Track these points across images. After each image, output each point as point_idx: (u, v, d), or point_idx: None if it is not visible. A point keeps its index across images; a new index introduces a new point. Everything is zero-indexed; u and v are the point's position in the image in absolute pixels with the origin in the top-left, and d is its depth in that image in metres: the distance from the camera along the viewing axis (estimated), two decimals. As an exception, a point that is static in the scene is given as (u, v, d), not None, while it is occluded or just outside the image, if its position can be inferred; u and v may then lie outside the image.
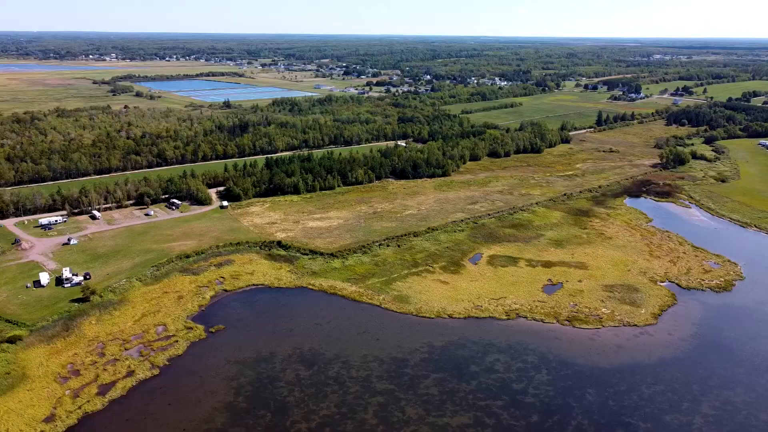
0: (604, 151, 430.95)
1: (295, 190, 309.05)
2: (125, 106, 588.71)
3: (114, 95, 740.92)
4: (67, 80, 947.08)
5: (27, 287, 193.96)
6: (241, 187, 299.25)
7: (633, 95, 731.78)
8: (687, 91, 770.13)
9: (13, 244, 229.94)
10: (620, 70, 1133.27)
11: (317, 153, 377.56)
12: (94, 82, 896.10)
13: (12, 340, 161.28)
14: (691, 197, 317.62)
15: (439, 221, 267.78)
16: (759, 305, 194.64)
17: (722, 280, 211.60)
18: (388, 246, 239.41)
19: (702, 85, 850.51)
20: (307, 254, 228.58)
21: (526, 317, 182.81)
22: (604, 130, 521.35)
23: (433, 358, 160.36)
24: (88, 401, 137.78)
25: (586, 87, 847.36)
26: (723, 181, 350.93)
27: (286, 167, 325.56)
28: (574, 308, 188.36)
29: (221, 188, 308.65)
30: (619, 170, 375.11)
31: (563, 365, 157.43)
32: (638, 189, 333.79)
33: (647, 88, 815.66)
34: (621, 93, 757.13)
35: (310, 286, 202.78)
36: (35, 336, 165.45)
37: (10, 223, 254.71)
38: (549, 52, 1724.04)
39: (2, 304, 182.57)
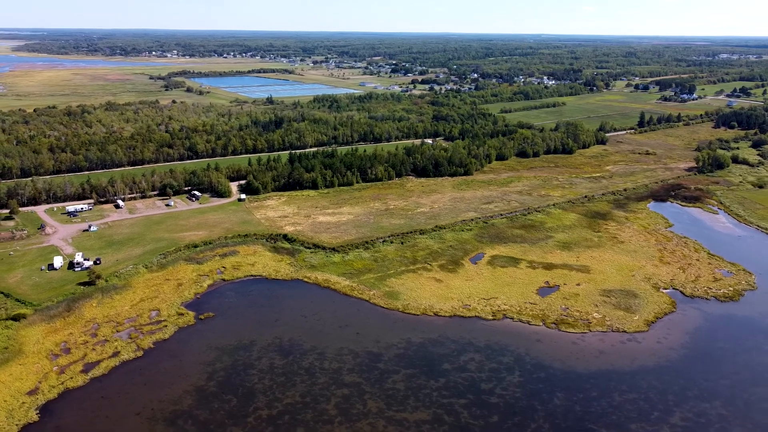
0: (639, 153, 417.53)
1: (314, 186, 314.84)
2: (173, 101, 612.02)
3: (166, 90, 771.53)
4: (126, 75, 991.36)
5: (41, 270, 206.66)
6: (261, 180, 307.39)
7: (685, 96, 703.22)
8: (744, 92, 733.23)
9: (38, 229, 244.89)
10: (678, 70, 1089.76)
11: (343, 149, 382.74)
12: (151, 78, 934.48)
13: (16, 318, 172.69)
14: (720, 203, 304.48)
15: (448, 220, 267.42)
16: (763, 317, 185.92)
17: (731, 289, 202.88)
18: (391, 243, 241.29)
19: (763, 86, 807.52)
20: (310, 248, 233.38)
21: (512, 318, 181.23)
22: (646, 131, 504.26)
23: (407, 354, 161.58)
24: (71, 378, 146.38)
25: (636, 87, 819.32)
26: (761, 186, 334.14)
27: (306, 162, 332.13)
28: (564, 311, 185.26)
29: (243, 182, 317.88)
30: (650, 173, 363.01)
31: (538, 368, 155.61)
32: (666, 193, 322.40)
33: (702, 89, 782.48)
34: (672, 94, 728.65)
35: (306, 279, 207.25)
36: (38, 315, 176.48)
37: (41, 209, 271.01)
38: (607, 51, 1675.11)
39: (16, 285, 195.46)
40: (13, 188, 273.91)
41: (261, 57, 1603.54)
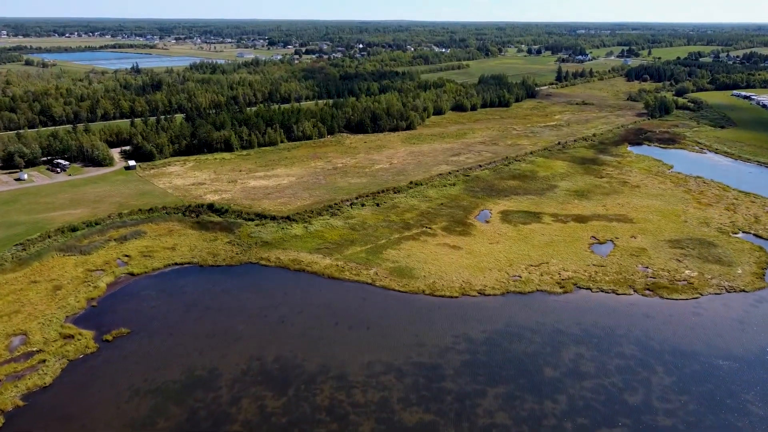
0: (577, 104, 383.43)
1: (227, 147, 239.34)
2: (8, 72, 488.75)
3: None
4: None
5: None
6: (155, 143, 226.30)
7: (580, 57, 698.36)
8: (632, 53, 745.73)
9: None
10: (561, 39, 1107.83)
11: (250, 111, 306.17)
12: None
13: None
14: (698, 143, 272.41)
15: (420, 175, 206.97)
16: None
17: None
18: (363, 205, 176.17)
19: (643, 48, 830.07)
20: (252, 219, 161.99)
21: (589, 288, 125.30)
22: (567, 86, 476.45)
23: (479, 360, 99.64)
24: None
25: (529, 51, 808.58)
26: (722, 127, 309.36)
27: (213, 119, 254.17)
28: (647, 272, 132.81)
29: (127, 148, 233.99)
30: (604, 120, 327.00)
31: (681, 357, 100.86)
32: (636, 137, 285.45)
33: (590, 52, 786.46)
34: (567, 56, 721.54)
35: (263, 262, 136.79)
36: None
37: None
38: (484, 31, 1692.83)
39: None
40: None
41: (112, 36, 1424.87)
